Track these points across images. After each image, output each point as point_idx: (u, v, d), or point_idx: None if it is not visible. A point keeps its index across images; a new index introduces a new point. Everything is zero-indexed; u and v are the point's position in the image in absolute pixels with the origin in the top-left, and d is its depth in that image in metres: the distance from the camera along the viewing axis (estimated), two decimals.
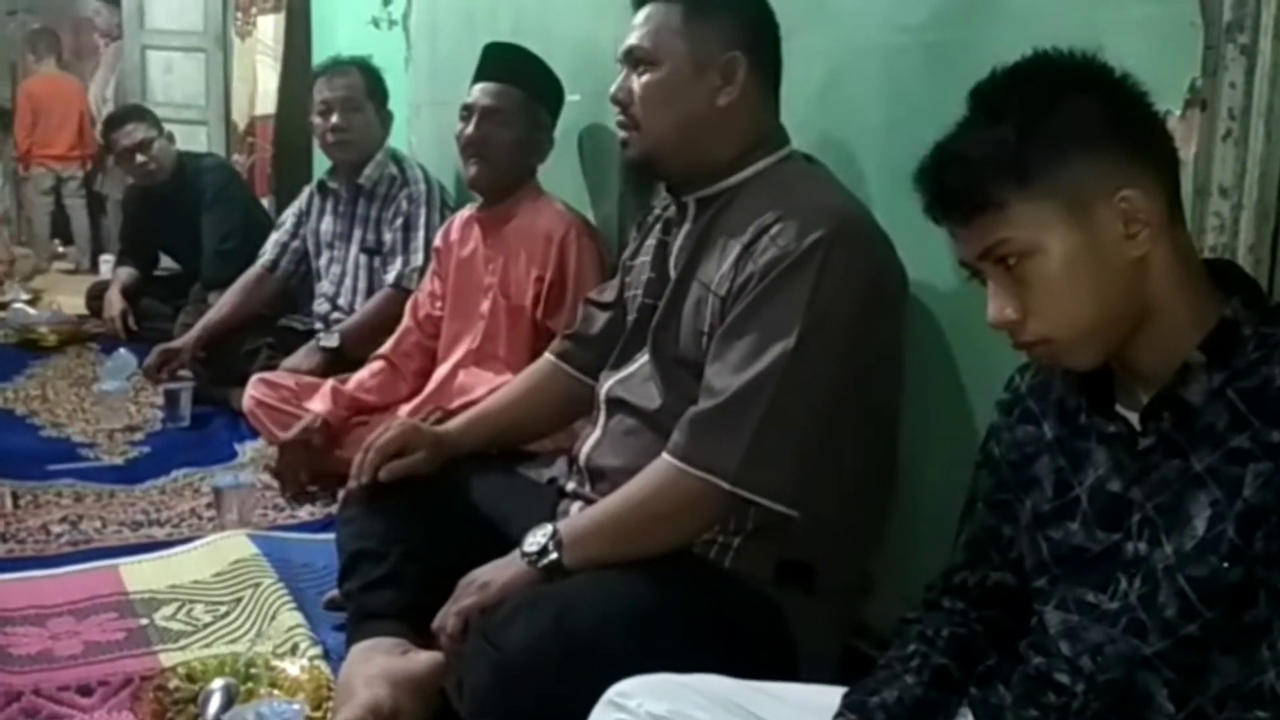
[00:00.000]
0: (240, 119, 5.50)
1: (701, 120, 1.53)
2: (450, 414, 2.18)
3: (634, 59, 1.57)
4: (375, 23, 3.94)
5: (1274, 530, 0.92)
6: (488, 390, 2.25)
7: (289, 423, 2.65)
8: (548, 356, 1.90)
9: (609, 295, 1.83)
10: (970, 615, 1.18)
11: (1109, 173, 0.96)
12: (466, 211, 2.60)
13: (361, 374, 2.68)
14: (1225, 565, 0.94)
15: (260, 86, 5.26)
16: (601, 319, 1.83)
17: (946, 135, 1.02)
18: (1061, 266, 0.97)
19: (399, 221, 3.00)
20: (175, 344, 3.41)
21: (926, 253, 1.57)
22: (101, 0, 6.18)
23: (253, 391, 2.79)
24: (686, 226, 1.60)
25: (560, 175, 2.58)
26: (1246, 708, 0.93)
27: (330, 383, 2.66)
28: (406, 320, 2.72)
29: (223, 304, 3.41)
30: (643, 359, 1.63)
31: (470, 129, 2.41)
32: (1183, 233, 1.02)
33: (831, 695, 1.17)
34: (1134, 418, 1.02)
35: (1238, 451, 0.95)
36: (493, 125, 2.39)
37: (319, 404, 2.59)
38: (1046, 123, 0.97)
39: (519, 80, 2.40)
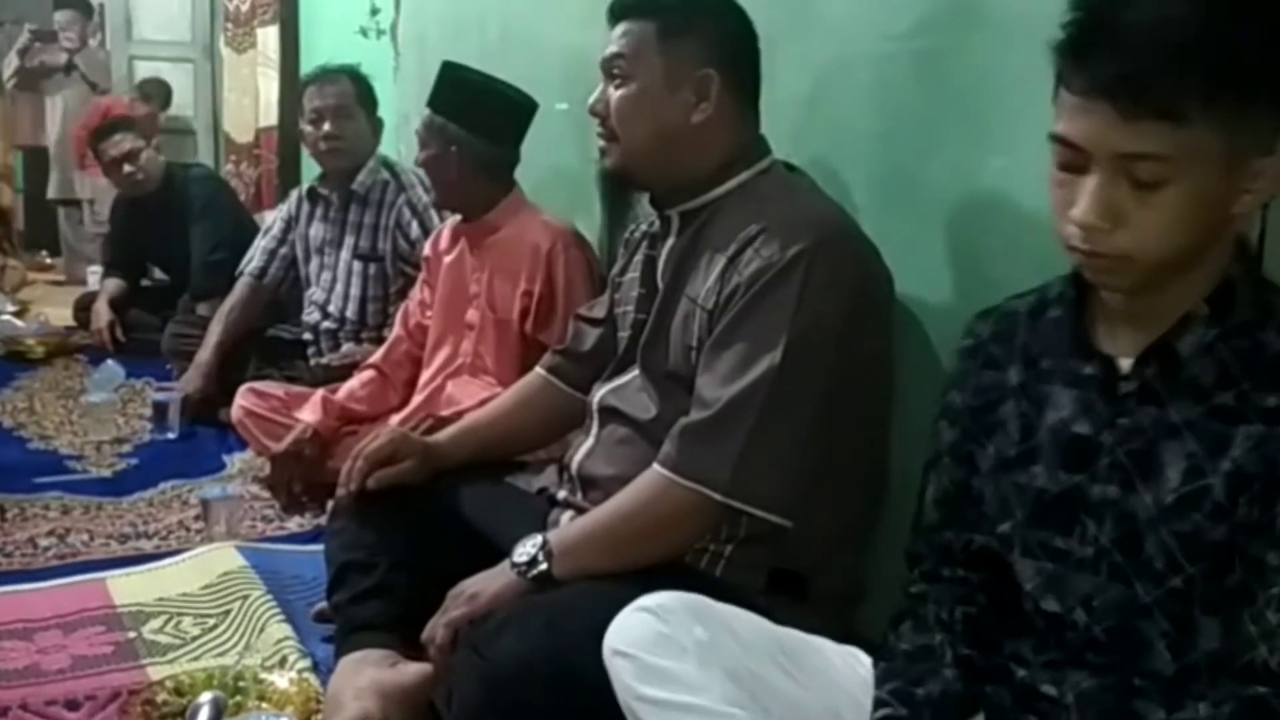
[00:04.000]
0: (245, 132, 5.48)
1: (676, 136, 1.54)
2: (442, 422, 2.18)
3: (610, 72, 1.58)
4: (363, 32, 3.95)
5: (1257, 496, 0.92)
6: (477, 402, 2.24)
7: (278, 432, 2.64)
8: (538, 371, 1.90)
9: (599, 311, 1.83)
10: (971, 581, 1.15)
11: (1277, 126, 0.91)
12: (454, 221, 2.60)
13: (352, 383, 2.67)
14: (1209, 523, 0.94)
15: (263, 99, 5.26)
16: (592, 335, 1.83)
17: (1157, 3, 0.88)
18: (1189, 201, 0.91)
19: (416, 231, 2.98)
20: (198, 385, 3.30)
21: (914, 261, 1.57)
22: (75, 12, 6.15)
23: (242, 401, 2.77)
24: (671, 240, 1.61)
25: (548, 184, 2.58)
26: (1242, 683, 0.93)
27: (320, 393, 2.64)
28: (397, 329, 2.71)
29: (228, 323, 3.33)
30: (635, 371, 1.63)
31: None
32: None
33: (858, 663, 1.17)
34: (1122, 362, 1.01)
35: (1222, 409, 0.95)
36: (422, 148, 2.45)
37: (309, 414, 2.58)
38: None
39: (431, 101, 2.44)
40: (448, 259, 2.54)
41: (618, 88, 1.57)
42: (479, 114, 2.39)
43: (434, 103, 2.43)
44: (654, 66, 1.54)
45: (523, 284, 2.35)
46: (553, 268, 2.34)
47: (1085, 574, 1.02)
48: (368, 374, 2.67)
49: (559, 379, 1.86)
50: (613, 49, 1.57)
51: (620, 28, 1.58)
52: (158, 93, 6.18)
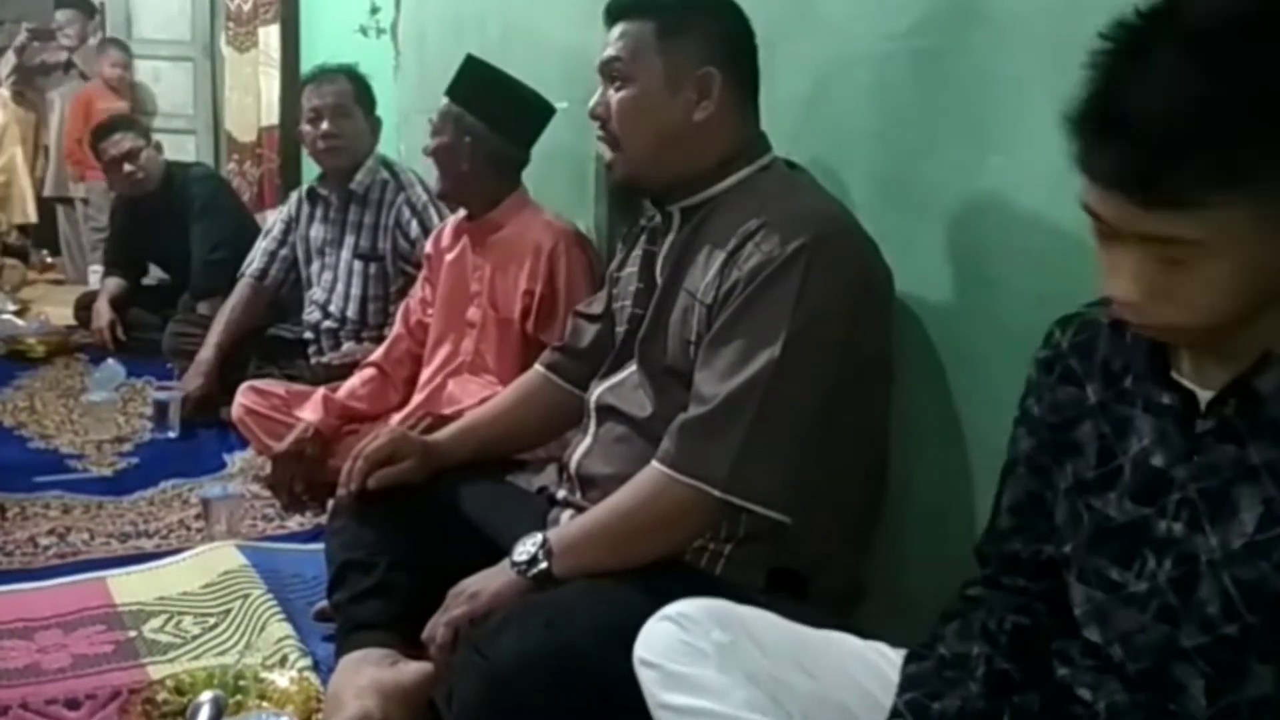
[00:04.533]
0: (248, 131, 5.48)
1: (679, 135, 1.54)
2: (442, 420, 2.19)
3: (609, 74, 1.57)
4: (363, 31, 3.95)
5: None
6: (477, 401, 2.25)
7: (279, 430, 2.64)
8: (537, 368, 1.90)
9: (597, 308, 1.83)
10: (1031, 591, 1.13)
11: None
12: (456, 218, 2.60)
13: (353, 382, 2.67)
14: (1277, 573, 0.90)
15: (264, 98, 5.26)
16: (591, 331, 1.83)
17: (1131, 69, 0.83)
18: (1231, 270, 0.86)
19: (416, 230, 2.98)
20: (199, 383, 3.29)
21: (914, 258, 1.57)
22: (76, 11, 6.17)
23: (242, 399, 2.77)
24: (671, 236, 1.60)
25: (548, 183, 2.58)
26: None
27: (321, 391, 2.64)
28: (398, 327, 2.71)
29: (229, 323, 3.33)
30: (632, 367, 1.63)
31: None
32: None
33: (881, 658, 1.17)
34: (1203, 395, 0.96)
35: None
36: (435, 135, 2.44)
37: (310, 412, 2.58)
38: (1276, 102, 0.80)
39: (451, 90, 2.43)
40: (449, 256, 2.53)
41: (618, 90, 1.56)
42: (498, 109, 2.40)
43: (453, 92, 2.43)
44: (654, 67, 1.54)
45: (524, 283, 2.35)
46: (554, 267, 2.34)
47: (1131, 610, 0.99)
48: (368, 372, 2.67)
49: (558, 376, 1.86)
50: (610, 51, 1.57)
51: (617, 29, 1.58)
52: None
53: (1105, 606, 1.02)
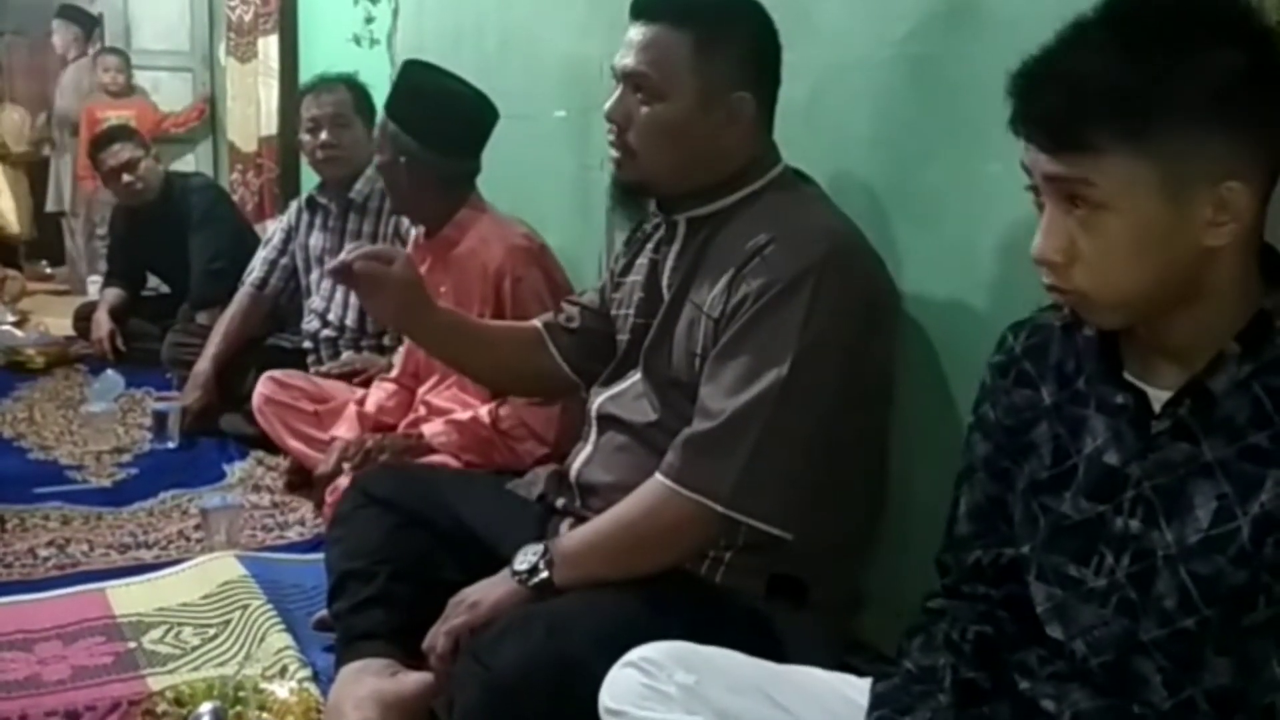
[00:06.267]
0: (250, 141, 5.50)
1: (701, 154, 1.50)
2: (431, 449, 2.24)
3: (635, 84, 1.49)
4: (357, 40, 3.95)
5: None
6: (468, 415, 2.26)
7: (291, 421, 2.67)
8: (536, 322, 1.84)
9: (587, 299, 1.81)
10: (993, 598, 1.13)
11: (1225, 155, 0.88)
12: (420, 231, 2.54)
13: (378, 395, 2.64)
14: (1232, 567, 0.92)
15: (264, 108, 5.28)
16: (578, 313, 1.79)
17: (1063, 43, 0.92)
18: (1131, 232, 0.90)
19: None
20: (196, 396, 3.29)
21: (914, 266, 1.58)
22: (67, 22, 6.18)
23: (263, 389, 2.78)
24: (676, 246, 1.58)
25: (546, 193, 2.57)
26: None
27: (353, 407, 2.62)
28: (406, 341, 2.69)
29: (227, 333, 3.34)
30: (635, 376, 1.62)
31: None
32: (1262, 220, 0.95)
33: (850, 687, 1.16)
34: (1155, 394, 0.98)
35: (1255, 450, 0.92)
36: (378, 152, 2.40)
37: (346, 430, 2.55)
38: (1182, 77, 0.87)
39: (387, 104, 2.37)
40: (423, 269, 2.48)
41: (644, 103, 1.49)
42: (432, 124, 2.30)
43: (389, 106, 2.35)
44: (687, 86, 1.47)
45: (477, 306, 2.28)
46: (500, 289, 2.27)
47: (1092, 605, 1.01)
48: (391, 386, 2.64)
49: (550, 337, 1.79)
50: (638, 62, 1.48)
51: (648, 31, 1.48)
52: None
53: (1065, 603, 1.03)
